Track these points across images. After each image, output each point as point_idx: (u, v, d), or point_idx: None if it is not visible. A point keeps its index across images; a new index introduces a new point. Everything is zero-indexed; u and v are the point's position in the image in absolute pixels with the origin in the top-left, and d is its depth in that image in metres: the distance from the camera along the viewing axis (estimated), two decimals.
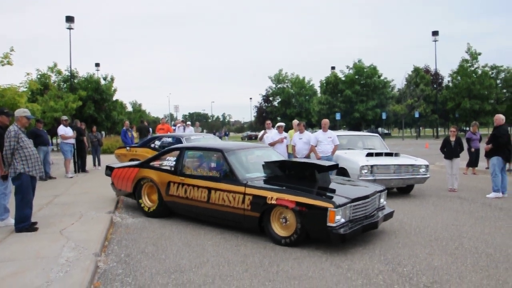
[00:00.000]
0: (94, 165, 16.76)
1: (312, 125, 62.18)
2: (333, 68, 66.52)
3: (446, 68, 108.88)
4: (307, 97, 69.73)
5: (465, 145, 12.89)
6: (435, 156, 19.56)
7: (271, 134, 11.60)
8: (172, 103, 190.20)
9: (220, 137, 57.61)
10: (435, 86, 60.81)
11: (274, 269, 5.08)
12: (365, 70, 59.30)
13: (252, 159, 7.62)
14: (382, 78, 60.23)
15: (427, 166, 10.28)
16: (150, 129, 20.20)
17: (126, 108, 60.50)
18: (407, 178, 9.96)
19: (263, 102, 74.07)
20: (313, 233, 5.82)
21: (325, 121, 10.74)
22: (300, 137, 10.85)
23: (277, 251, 5.76)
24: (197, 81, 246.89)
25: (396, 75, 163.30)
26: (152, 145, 12.56)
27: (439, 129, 65.98)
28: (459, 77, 56.48)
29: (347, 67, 60.99)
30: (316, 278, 4.78)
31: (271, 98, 73.19)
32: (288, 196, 5.92)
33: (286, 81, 71.88)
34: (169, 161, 7.72)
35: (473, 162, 14.74)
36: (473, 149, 14.57)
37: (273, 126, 12.30)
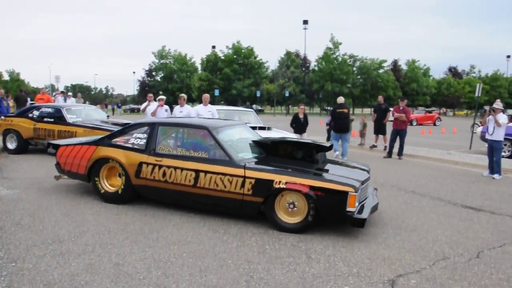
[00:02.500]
0: None
1: (193, 100, 61.79)
2: (213, 47, 66.38)
3: (314, 54, 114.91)
4: (188, 73, 68.92)
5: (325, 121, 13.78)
6: None
7: (153, 106, 11.22)
8: (53, 74, 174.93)
9: (113, 109, 54.81)
10: (303, 69, 64.07)
11: (154, 236, 4.96)
12: (243, 51, 60.19)
13: (235, 137, 6.50)
14: (258, 59, 61.65)
15: None
16: (29, 98, 18.33)
17: (2, 76, 54.23)
18: None
19: (146, 77, 71.66)
20: (330, 219, 5.27)
21: (206, 96, 10.69)
22: (181, 110, 10.67)
23: (157, 218, 5.64)
24: (80, 53, 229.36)
25: (270, 57, 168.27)
26: (30, 115, 11.38)
27: (306, 107, 69.86)
28: (323, 63, 59.86)
29: (227, 47, 61.43)
30: (194, 243, 4.77)
31: (154, 73, 71.08)
32: (300, 179, 5.15)
33: (169, 57, 70.16)
34: (137, 139, 6.27)
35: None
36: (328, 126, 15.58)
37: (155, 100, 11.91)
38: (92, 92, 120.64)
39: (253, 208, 5.43)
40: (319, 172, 5.51)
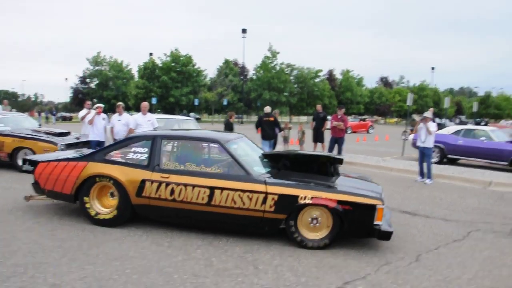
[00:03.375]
0: None
1: (129, 108, 60.20)
2: (151, 54, 65.10)
3: (252, 63, 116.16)
4: (124, 81, 67.08)
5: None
6: None
7: (90, 114, 10.75)
8: None
9: (46, 117, 51.69)
10: (242, 77, 64.50)
11: (94, 252, 4.71)
12: (181, 58, 59.57)
13: (244, 151, 6.06)
14: (196, 67, 61.30)
15: None
16: None
17: None
18: None
19: (79, 83, 68.83)
20: (357, 233, 5.17)
21: (145, 104, 10.39)
22: (119, 118, 10.31)
23: (96, 233, 5.36)
24: (6, 58, 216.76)
25: (209, 66, 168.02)
26: None
27: (244, 116, 70.10)
28: (261, 71, 60.64)
29: (165, 54, 60.46)
30: (137, 258, 4.59)
31: (88, 80, 68.44)
32: (326, 194, 5.02)
33: (104, 63, 67.92)
34: (137, 153, 5.71)
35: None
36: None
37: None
38: (19, 99, 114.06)
39: (274, 225, 5.16)
40: (343, 186, 5.41)
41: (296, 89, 63.03)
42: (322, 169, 5.93)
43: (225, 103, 58.70)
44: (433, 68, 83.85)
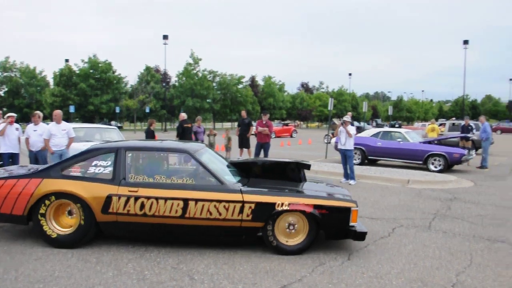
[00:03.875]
0: None
1: (45, 117, 56.71)
2: (67, 61, 61.84)
3: (174, 70, 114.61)
4: (38, 88, 63.17)
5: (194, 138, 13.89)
6: None
7: (3, 125, 9.88)
8: None
9: None
10: (164, 84, 63.26)
11: (12, 276, 4.31)
12: (100, 65, 57.23)
13: (212, 160, 5.84)
14: (116, 74, 59.23)
15: None
16: None
17: None
18: None
19: None
20: (333, 236, 5.31)
21: (57, 112, 9.49)
22: (35, 128, 9.57)
23: (13, 254, 4.93)
24: None
25: (130, 72, 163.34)
26: None
27: (167, 123, 68.92)
28: (184, 78, 59.97)
29: (82, 61, 57.73)
30: (63, 277, 4.27)
31: None
32: (303, 199, 5.10)
33: (15, 70, 63.53)
34: (99, 167, 5.34)
35: None
36: (200, 141, 15.65)
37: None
38: None
39: (252, 234, 5.12)
40: (314, 191, 5.54)
41: (219, 96, 63.09)
42: (289, 175, 6.08)
43: (147, 110, 57.25)
44: (350, 74, 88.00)
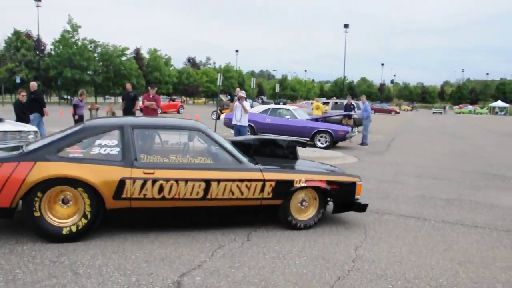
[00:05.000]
0: None
1: None
2: None
3: (50, 37, 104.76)
4: None
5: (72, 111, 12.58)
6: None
7: None
8: None
9: None
10: (37, 52, 57.31)
11: None
12: None
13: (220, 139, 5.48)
14: None
15: (36, 131, 9.34)
16: None
17: None
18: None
19: None
20: (341, 209, 5.60)
21: None
22: None
23: None
24: None
25: None
26: None
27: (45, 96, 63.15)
28: (61, 47, 55.12)
29: None
30: None
31: None
32: (317, 176, 5.32)
33: None
34: (104, 147, 4.58)
35: None
36: (77, 116, 14.32)
37: None
38: None
39: (272, 211, 5.18)
40: (320, 168, 5.91)
41: (101, 68, 59.31)
42: (286, 153, 6.26)
43: (18, 81, 51.60)
44: (237, 51, 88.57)
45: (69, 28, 55.22)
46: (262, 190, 4.97)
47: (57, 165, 4.35)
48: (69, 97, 62.40)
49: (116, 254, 4.15)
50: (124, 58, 60.51)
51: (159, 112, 33.78)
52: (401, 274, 4.07)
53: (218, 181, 4.79)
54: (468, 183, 9.01)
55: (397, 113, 59.61)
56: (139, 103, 14.93)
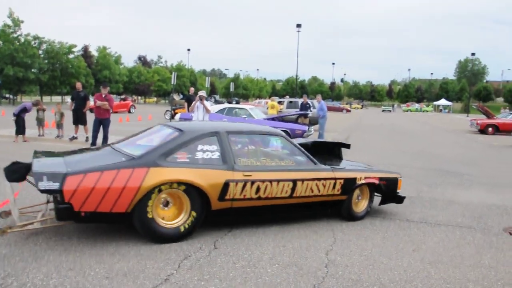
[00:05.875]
0: None
1: None
2: None
3: None
4: None
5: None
6: None
7: None
8: None
9: None
10: None
11: None
12: None
13: None
14: None
15: None
16: None
17: None
18: None
19: None
20: (386, 201, 6.37)
21: None
22: None
23: None
24: None
25: None
26: None
27: None
28: (1, 42, 52.14)
29: None
30: None
31: None
32: (372, 174, 6.11)
33: None
34: (206, 152, 4.92)
35: (21, 129, 13.63)
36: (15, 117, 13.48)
37: None
38: None
39: (340, 205, 5.82)
40: (366, 167, 6.64)
41: (46, 66, 56.68)
42: (335, 154, 7.08)
43: None
44: (189, 50, 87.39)
45: (9, 23, 52.31)
46: (334, 187, 5.63)
47: (170, 171, 4.56)
48: (11, 96, 59.19)
49: (72, 271, 3.75)
50: (71, 56, 58.06)
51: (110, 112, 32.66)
52: (376, 279, 3.97)
53: (302, 180, 5.35)
54: (425, 180, 9.18)
55: (348, 111, 60.90)
56: (90, 103, 14.29)
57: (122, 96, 53.49)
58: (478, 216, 6.49)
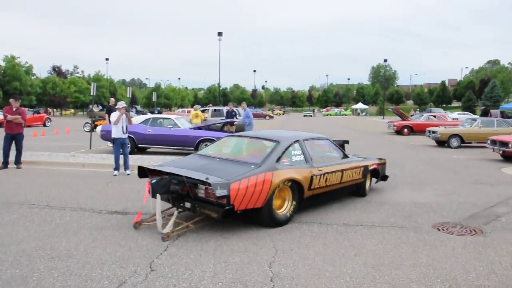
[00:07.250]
0: None
1: None
2: None
3: None
4: None
5: None
6: None
7: None
8: None
9: None
10: None
11: None
12: None
13: None
14: None
15: None
16: None
17: None
18: None
19: None
20: (379, 180, 8.65)
21: None
22: None
23: None
24: None
25: None
26: None
27: None
28: None
29: None
30: None
31: None
32: (374, 161, 8.35)
33: None
34: (296, 155, 6.50)
35: None
36: None
37: None
38: None
39: (359, 186, 7.81)
40: (364, 157, 8.50)
41: None
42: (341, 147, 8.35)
43: None
44: (107, 59, 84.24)
45: None
46: (359, 173, 7.59)
47: (283, 172, 5.98)
48: None
49: None
50: None
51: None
52: None
53: (346, 170, 7.22)
54: None
55: (271, 117, 61.87)
56: (0, 117, 13.05)
57: (36, 109, 50.02)
58: (408, 215, 6.66)
